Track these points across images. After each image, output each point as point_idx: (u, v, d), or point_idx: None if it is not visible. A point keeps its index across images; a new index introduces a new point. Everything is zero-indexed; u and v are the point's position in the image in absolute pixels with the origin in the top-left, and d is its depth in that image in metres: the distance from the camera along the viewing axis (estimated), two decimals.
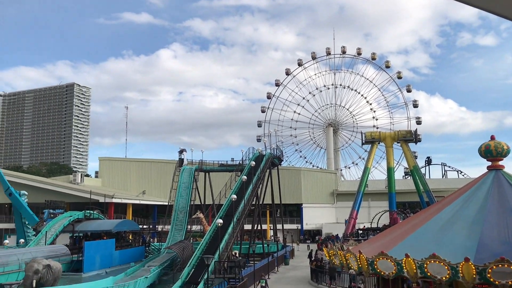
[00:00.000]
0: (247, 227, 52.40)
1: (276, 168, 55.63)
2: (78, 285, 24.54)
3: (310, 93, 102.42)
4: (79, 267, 35.06)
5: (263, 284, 26.35)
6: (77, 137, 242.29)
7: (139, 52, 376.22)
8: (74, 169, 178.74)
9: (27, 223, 49.04)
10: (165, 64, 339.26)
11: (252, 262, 36.10)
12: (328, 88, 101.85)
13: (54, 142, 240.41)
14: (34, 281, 24.58)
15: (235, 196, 34.86)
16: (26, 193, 51.16)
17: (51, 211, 49.37)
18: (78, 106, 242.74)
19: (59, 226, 42.38)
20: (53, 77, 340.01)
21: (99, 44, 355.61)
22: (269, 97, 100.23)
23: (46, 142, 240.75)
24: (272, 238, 60.50)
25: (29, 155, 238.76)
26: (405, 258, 15.31)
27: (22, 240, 46.17)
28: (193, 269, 29.88)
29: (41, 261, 25.83)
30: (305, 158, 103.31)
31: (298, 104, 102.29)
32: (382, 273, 16.21)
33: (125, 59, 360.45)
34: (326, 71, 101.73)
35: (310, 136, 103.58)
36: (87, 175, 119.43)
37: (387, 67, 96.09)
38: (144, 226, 50.44)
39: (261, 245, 46.08)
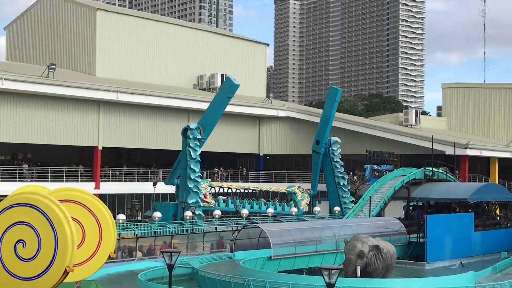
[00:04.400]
0: None
1: None
2: (423, 280, 26.16)
3: None
4: (420, 253, 36.85)
5: None
6: (407, 53, 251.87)
7: None
8: (405, 103, 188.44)
9: (341, 183, 54.77)
10: None
11: None
12: None
13: (373, 64, 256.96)
14: (359, 268, 26.82)
15: None
16: (338, 140, 56.88)
17: (375, 166, 53.46)
18: (407, 5, 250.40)
19: (388, 189, 45.32)
20: None
21: None
22: None
23: (361, 65, 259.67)
24: None
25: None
26: None
27: (337, 208, 52.09)
28: None
29: (366, 240, 28.17)
30: None
31: None
32: None
33: None
34: None
35: None
36: (424, 113, 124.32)
37: None
38: None
39: None
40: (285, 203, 53.78)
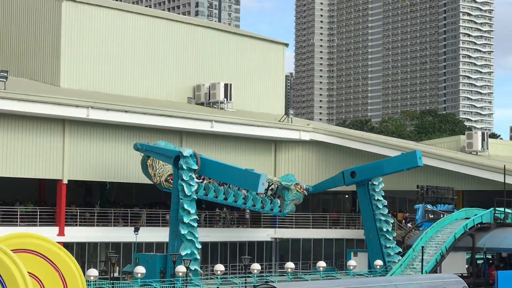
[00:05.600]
0: None
1: None
2: None
3: None
4: None
5: None
6: (470, 57, 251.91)
7: None
8: (468, 123, 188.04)
9: (385, 229, 54.81)
10: None
11: None
12: None
13: (426, 71, 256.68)
14: None
15: None
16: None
17: (429, 207, 53.69)
18: None
19: (446, 237, 45.46)
20: None
21: None
22: None
23: (409, 72, 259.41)
24: None
25: (380, 98, 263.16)
26: None
27: (378, 262, 52.10)
28: None
29: None
30: None
31: None
32: None
33: None
34: None
35: None
36: (494, 135, 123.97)
37: None
38: None
39: None
40: (269, 200, 54.02)
